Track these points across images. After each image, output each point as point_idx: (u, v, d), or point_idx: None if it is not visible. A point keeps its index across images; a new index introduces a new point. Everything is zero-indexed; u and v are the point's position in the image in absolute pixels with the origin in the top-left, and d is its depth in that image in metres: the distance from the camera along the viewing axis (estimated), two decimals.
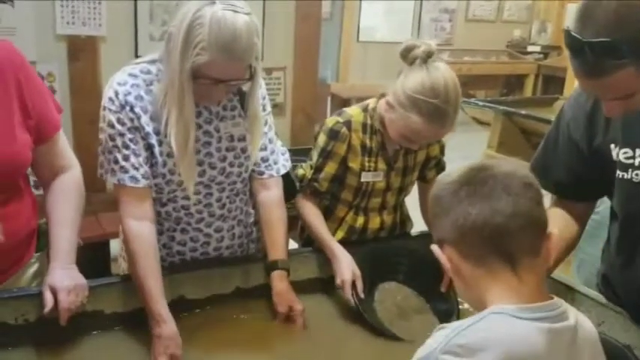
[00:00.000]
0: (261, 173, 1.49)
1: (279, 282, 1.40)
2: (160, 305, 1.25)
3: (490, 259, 0.84)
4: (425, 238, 1.65)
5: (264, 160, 1.48)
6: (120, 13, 2.62)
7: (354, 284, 1.44)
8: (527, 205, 0.84)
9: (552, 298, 0.86)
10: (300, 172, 1.61)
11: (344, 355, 1.32)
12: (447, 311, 1.48)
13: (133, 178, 1.30)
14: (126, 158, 1.30)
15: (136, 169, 1.30)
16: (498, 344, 0.77)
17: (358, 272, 1.46)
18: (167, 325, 1.23)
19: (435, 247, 0.88)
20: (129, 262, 1.34)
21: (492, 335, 0.78)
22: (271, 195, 1.49)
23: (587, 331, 0.88)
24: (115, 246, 2.58)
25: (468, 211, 0.83)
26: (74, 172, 1.37)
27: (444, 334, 0.81)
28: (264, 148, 1.48)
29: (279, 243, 1.45)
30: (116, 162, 1.30)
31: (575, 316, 0.86)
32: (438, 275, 1.50)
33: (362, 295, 1.44)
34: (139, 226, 1.31)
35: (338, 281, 1.46)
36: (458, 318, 1.44)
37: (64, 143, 1.35)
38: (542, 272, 0.88)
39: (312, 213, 1.59)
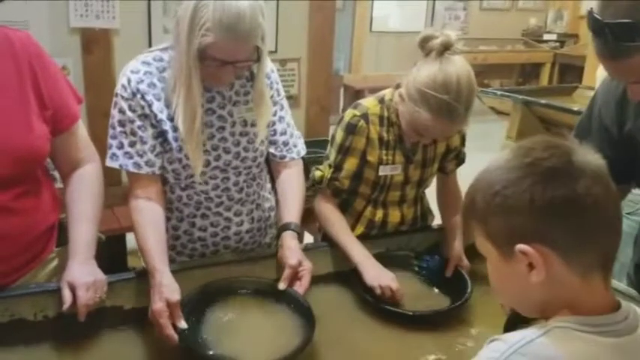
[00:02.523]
0: (283, 157, 1.51)
1: (291, 240, 1.38)
2: (154, 260, 1.25)
3: (594, 267, 0.74)
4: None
5: (285, 144, 1.51)
6: (133, 6, 2.61)
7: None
8: (618, 197, 0.75)
9: (620, 306, 0.77)
10: (318, 173, 1.58)
11: (362, 347, 1.30)
12: (460, 292, 1.45)
13: (136, 165, 1.34)
14: (132, 144, 1.34)
15: (140, 156, 1.34)
16: None
17: (394, 276, 1.42)
18: (160, 274, 1.22)
19: (527, 248, 0.72)
20: (135, 235, 1.35)
21: (555, 354, 0.70)
22: (293, 172, 1.52)
23: None
24: (132, 239, 2.58)
25: (593, 211, 0.71)
26: (94, 165, 1.36)
27: (499, 350, 0.72)
28: (284, 133, 1.51)
29: (295, 210, 1.46)
30: (121, 147, 1.34)
31: None
32: (442, 263, 1.55)
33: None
34: (143, 202, 1.35)
35: (384, 291, 1.39)
36: (470, 296, 1.42)
37: (83, 135, 1.34)
38: None
39: (334, 217, 1.56)
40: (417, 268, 1.57)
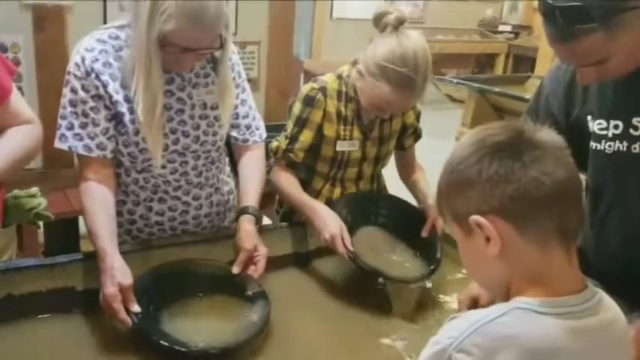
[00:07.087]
0: (246, 140, 1.50)
1: (247, 224, 1.38)
2: (103, 242, 1.22)
3: (550, 236, 0.73)
4: None
5: (248, 127, 1.50)
6: None
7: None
8: (576, 171, 0.75)
9: (586, 286, 0.76)
10: (274, 144, 1.59)
11: (322, 329, 1.32)
12: (429, 256, 1.47)
13: (87, 147, 1.29)
14: (83, 126, 1.29)
15: (91, 138, 1.29)
16: (518, 343, 0.69)
17: (343, 225, 1.42)
18: (110, 258, 1.19)
19: (479, 218, 0.74)
20: (84, 219, 1.31)
21: (513, 333, 0.70)
22: (254, 154, 1.52)
23: (621, 324, 0.79)
24: None
25: (540, 179, 0.71)
26: (30, 125, 1.32)
27: (460, 328, 0.72)
28: (247, 116, 1.49)
29: (254, 193, 1.45)
30: (71, 128, 1.29)
31: (610, 307, 0.78)
32: (419, 221, 1.53)
33: (351, 248, 1.39)
34: (93, 185, 1.31)
35: (327, 236, 1.39)
36: (439, 263, 1.44)
37: (17, 105, 1.30)
38: None
39: (287, 180, 1.57)
40: (383, 219, 1.57)
